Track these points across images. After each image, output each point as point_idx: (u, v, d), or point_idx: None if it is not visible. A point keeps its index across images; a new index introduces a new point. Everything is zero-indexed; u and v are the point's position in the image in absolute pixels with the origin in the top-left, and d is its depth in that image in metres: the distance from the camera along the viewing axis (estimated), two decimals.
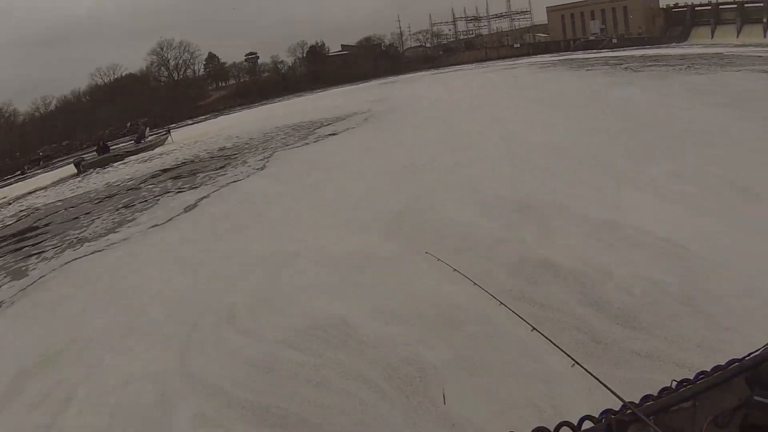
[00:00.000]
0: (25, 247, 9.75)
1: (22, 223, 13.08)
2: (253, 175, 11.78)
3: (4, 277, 7.91)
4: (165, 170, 14.83)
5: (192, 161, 15.63)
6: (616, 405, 1.48)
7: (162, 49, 45.57)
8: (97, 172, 18.89)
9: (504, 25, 52.19)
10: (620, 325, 4.26)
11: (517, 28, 52.20)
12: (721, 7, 38.32)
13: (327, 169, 11.03)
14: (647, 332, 4.03)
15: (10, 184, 26.58)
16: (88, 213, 11.64)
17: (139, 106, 39.33)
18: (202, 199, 10.02)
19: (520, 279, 5.04)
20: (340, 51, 50.72)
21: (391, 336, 4.25)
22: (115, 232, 8.80)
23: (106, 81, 43.00)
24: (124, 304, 5.51)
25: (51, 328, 5.36)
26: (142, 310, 5.31)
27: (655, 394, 1.58)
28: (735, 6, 37.13)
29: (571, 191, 6.73)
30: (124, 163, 19.54)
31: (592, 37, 44.36)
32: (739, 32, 36.13)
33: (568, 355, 1.73)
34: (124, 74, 43.39)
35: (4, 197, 20.24)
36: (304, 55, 49.95)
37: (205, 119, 29.61)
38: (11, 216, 14.89)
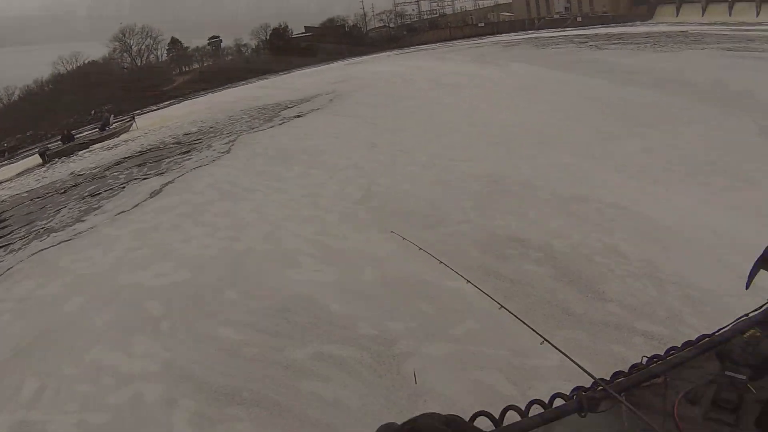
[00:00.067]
0: None
1: None
2: (219, 159, 11.70)
3: None
4: (130, 157, 14.54)
5: (157, 147, 15.35)
6: (587, 382, 1.55)
7: (124, 35, 44.02)
8: (63, 162, 18.39)
9: (468, 4, 51.55)
10: (590, 297, 4.47)
11: (481, 7, 51.63)
12: None
13: (293, 151, 11.07)
14: (617, 304, 4.21)
15: None
16: (54, 203, 11.45)
17: (102, 93, 38.05)
18: (167, 184, 9.96)
19: (490, 255, 5.23)
20: (303, 33, 49.58)
21: (360, 315, 4.46)
22: (82, 221, 8.74)
23: (68, 69, 41.48)
24: (92, 293, 5.59)
25: (22, 320, 5.41)
26: (111, 298, 5.39)
27: (626, 370, 1.66)
28: None
29: (540, 169, 6.84)
30: (90, 151, 19.02)
31: (556, 16, 44.20)
32: (704, 11, 36.56)
33: (537, 333, 1.85)
34: (86, 62, 41.87)
35: None
36: (268, 37, 48.79)
37: (170, 104, 28.72)
38: None
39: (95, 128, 25.00)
